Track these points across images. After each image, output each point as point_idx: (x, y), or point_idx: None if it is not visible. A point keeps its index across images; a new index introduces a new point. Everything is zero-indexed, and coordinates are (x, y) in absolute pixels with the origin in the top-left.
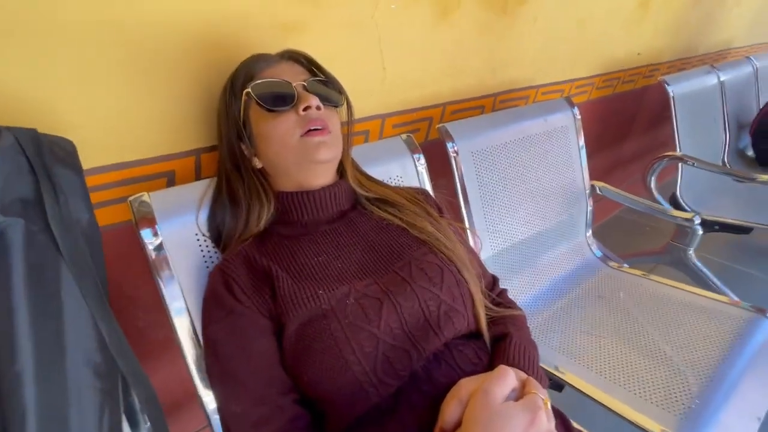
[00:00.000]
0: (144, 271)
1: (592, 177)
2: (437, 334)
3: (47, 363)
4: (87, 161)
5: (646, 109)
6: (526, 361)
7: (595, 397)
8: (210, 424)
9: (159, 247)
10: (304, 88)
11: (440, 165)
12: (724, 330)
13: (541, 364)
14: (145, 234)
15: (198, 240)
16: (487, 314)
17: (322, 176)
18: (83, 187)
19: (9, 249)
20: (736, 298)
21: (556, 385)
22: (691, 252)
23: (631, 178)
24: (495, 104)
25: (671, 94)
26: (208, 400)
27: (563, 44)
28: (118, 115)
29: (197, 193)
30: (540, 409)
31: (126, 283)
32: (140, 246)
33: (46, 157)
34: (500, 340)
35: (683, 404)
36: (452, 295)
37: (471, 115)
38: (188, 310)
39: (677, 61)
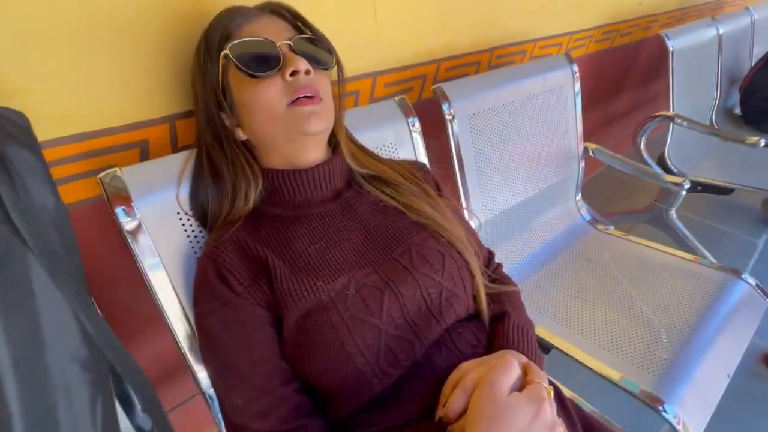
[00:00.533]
0: (122, 248)
1: (584, 133)
2: (439, 322)
3: (27, 362)
4: (43, 133)
5: (640, 63)
6: (525, 341)
7: (580, 359)
8: (201, 392)
9: (137, 229)
10: (290, 48)
11: (434, 126)
12: (700, 291)
13: None
14: (120, 213)
15: (181, 219)
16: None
17: (314, 150)
18: (43, 168)
19: None
20: (712, 259)
21: (543, 347)
22: (673, 212)
23: (621, 134)
24: (491, 59)
25: (671, 49)
26: (198, 368)
27: None
28: (78, 79)
29: (176, 166)
30: (544, 401)
31: (105, 261)
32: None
33: None
34: (498, 320)
35: (661, 363)
36: (453, 280)
37: (466, 71)
38: (175, 291)
39: (677, 11)
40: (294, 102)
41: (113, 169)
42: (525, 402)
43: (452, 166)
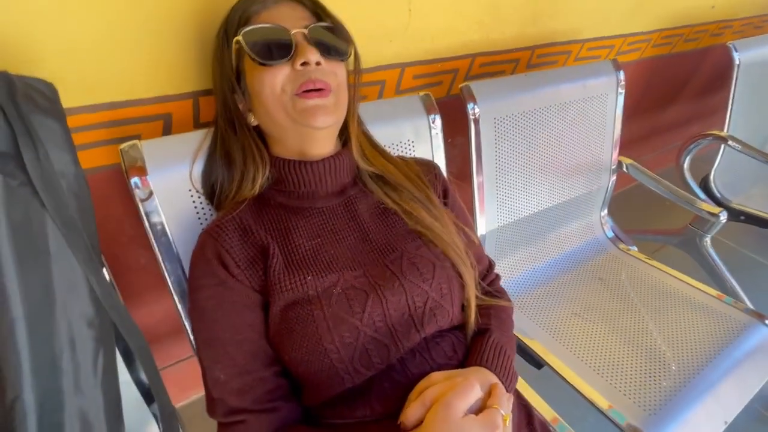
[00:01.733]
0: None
1: (623, 143)
2: (419, 331)
3: (37, 313)
4: (71, 100)
5: (703, 72)
6: (500, 361)
7: (571, 381)
8: (196, 351)
9: (148, 199)
10: (304, 37)
11: (461, 122)
12: (718, 330)
13: (525, 339)
14: (135, 183)
15: (191, 195)
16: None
17: (322, 144)
18: (67, 138)
19: None
20: (742, 293)
21: (535, 362)
22: (708, 239)
23: (668, 145)
24: (532, 58)
25: (737, 62)
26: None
27: None
28: (109, 50)
29: (193, 144)
30: (497, 428)
31: (125, 223)
32: None
33: (21, 105)
34: (480, 335)
35: (656, 401)
36: (441, 291)
37: (502, 69)
38: (180, 262)
39: (756, 18)
40: (301, 93)
41: (133, 141)
42: (477, 426)
43: (470, 167)
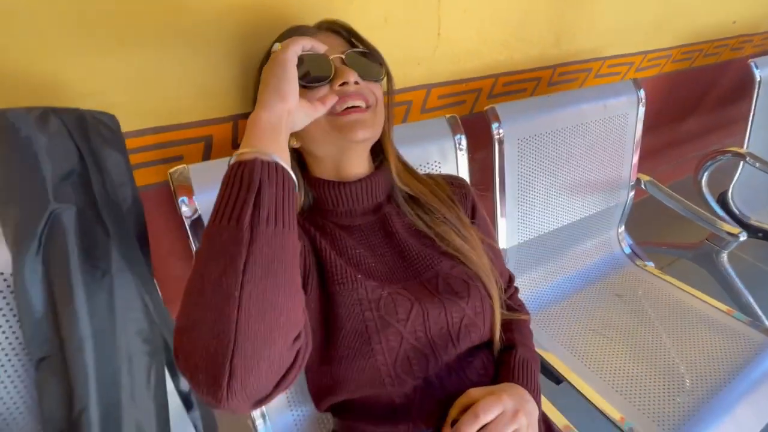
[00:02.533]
0: (178, 227)
1: (641, 154)
2: (455, 345)
3: (101, 332)
4: (123, 126)
5: (722, 86)
6: (528, 377)
7: (589, 397)
8: None
9: (194, 217)
10: (342, 61)
11: (483, 138)
12: (734, 349)
13: (544, 354)
14: (182, 203)
15: None
16: None
17: (358, 163)
18: (127, 166)
19: (65, 233)
20: (757, 309)
21: (554, 378)
22: (725, 255)
23: (685, 156)
24: (553, 76)
25: (758, 79)
26: None
27: (648, 9)
28: (155, 79)
29: None
30: None
31: (164, 237)
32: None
33: (92, 140)
34: (507, 352)
35: (674, 420)
36: (475, 309)
37: (524, 87)
38: None
39: None
40: (342, 112)
41: (182, 166)
42: None
43: (493, 185)
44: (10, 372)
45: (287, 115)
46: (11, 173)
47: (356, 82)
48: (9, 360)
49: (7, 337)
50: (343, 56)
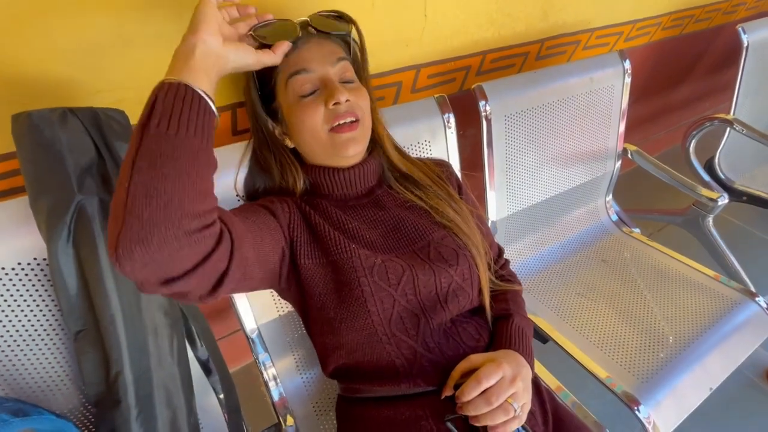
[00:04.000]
0: None
1: (632, 123)
2: (443, 308)
3: (129, 306)
4: (132, 119)
5: (715, 51)
6: (523, 343)
7: (573, 354)
8: (243, 328)
9: None
10: (333, 77)
11: (473, 116)
12: (710, 306)
13: (532, 317)
14: None
15: (239, 201)
16: (490, 287)
17: (353, 159)
18: None
19: (91, 220)
20: (741, 270)
21: (541, 338)
22: (710, 219)
23: (677, 124)
24: (541, 50)
25: (745, 44)
26: (242, 311)
27: None
28: (159, 76)
29: (237, 155)
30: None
31: None
32: None
33: (106, 135)
34: (503, 320)
35: (650, 371)
36: (463, 276)
37: (512, 62)
38: None
39: None
40: (335, 128)
41: None
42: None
43: (482, 160)
44: (50, 345)
45: (202, 44)
46: (39, 169)
47: (347, 100)
48: (48, 335)
49: (44, 315)
50: (334, 70)
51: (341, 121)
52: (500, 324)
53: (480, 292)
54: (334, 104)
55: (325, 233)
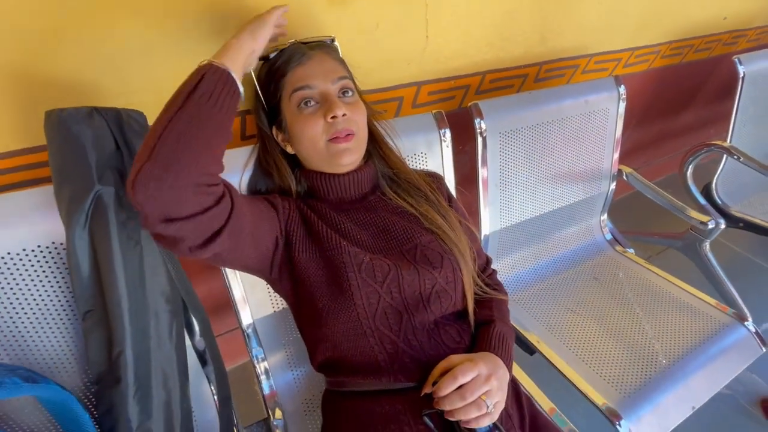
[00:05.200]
0: None
1: (632, 149)
2: (426, 308)
3: (134, 290)
4: (150, 120)
5: (716, 80)
6: (503, 348)
7: (557, 365)
8: (241, 328)
9: None
10: (332, 92)
11: (471, 131)
12: (699, 327)
13: (522, 330)
14: None
15: None
16: (475, 294)
17: (348, 167)
18: None
19: (106, 209)
20: (737, 296)
21: (528, 349)
22: (707, 244)
23: (678, 151)
24: (540, 73)
25: (741, 75)
26: (241, 308)
27: (634, 7)
28: (176, 83)
29: (243, 158)
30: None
31: None
32: None
33: (126, 133)
34: (484, 325)
35: (633, 385)
36: (447, 279)
37: (511, 83)
38: None
39: None
40: (333, 140)
41: None
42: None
43: (476, 176)
44: (59, 324)
45: (251, 52)
46: (64, 161)
47: (345, 114)
48: (59, 314)
49: (56, 296)
50: (333, 87)
51: (339, 134)
52: (482, 329)
53: (463, 296)
54: (332, 118)
55: (320, 230)
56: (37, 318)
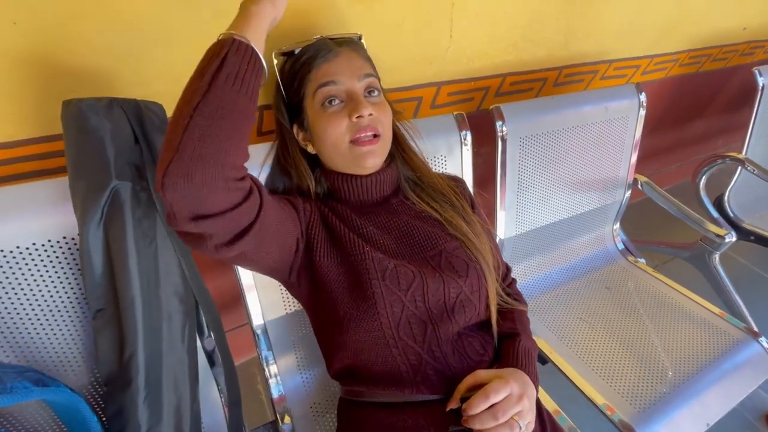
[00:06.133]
0: None
1: (646, 155)
2: (450, 318)
3: (148, 290)
4: (168, 111)
5: (731, 89)
6: (530, 364)
7: (572, 379)
8: (250, 322)
9: None
10: (359, 91)
11: (488, 135)
12: (712, 343)
13: (534, 337)
14: None
15: None
16: (497, 304)
17: (371, 170)
18: None
19: (122, 205)
20: (744, 310)
21: (541, 359)
22: (716, 256)
23: (690, 159)
24: (560, 77)
25: (761, 86)
26: (251, 304)
27: (658, 14)
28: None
29: (261, 155)
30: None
31: None
32: None
33: (145, 126)
34: (510, 338)
35: (648, 401)
36: (472, 288)
37: (531, 86)
38: None
39: None
40: (357, 141)
41: None
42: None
43: (494, 179)
44: (68, 322)
45: (272, 19)
46: (81, 154)
47: (371, 114)
48: (68, 312)
49: (66, 293)
50: (360, 85)
51: (362, 135)
52: (507, 342)
53: (487, 306)
54: (357, 117)
55: (342, 234)
56: (45, 314)
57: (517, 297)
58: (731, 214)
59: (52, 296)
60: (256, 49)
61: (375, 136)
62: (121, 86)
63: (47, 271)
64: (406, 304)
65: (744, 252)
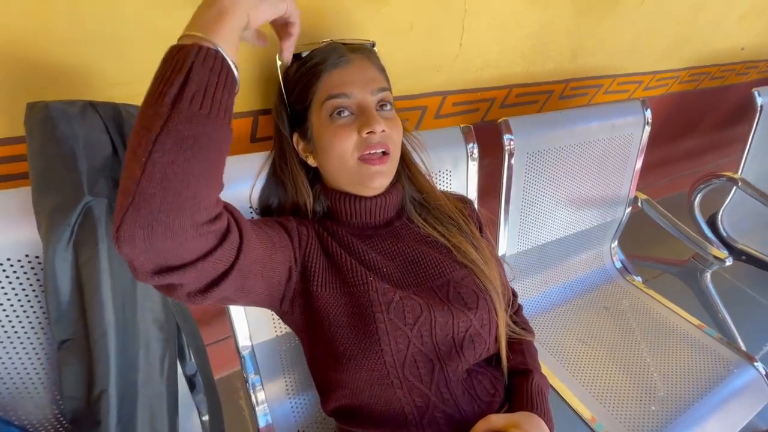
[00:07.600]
0: None
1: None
2: (459, 355)
3: (123, 318)
4: None
5: (724, 107)
6: (543, 404)
7: (573, 407)
8: (234, 335)
9: None
10: (371, 105)
11: (491, 146)
12: (708, 368)
13: None
14: None
15: (252, 214)
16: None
17: (377, 191)
18: None
19: (96, 223)
20: (733, 329)
21: None
22: (708, 274)
23: (682, 173)
24: (565, 90)
25: (759, 107)
26: (236, 319)
27: (664, 32)
28: None
29: (256, 166)
30: None
31: None
32: None
33: (125, 134)
34: (521, 376)
35: (646, 429)
36: (482, 321)
37: (536, 99)
38: None
39: None
40: (365, 158)
41: None
42: None
43: (499, 194)
44: (29, 349)
45: (246, 23)
46: (49, 165)
47: (383, 131)
48: (29, 338)
49: (28, 317)
50: (373, 99)
51: (372, 151)
52: (519, 380)
53: (496, 339)
54: (369, 133)
55: (343, 262)
56: (1, 340)
57: (525, 326)
58: (724, 234)
59: (10, 321)
60: (228, 58)
61: (384, 153)
62: (101, 86)
63: (5, 294)
64: (412, 341)
65: (731, 270)
